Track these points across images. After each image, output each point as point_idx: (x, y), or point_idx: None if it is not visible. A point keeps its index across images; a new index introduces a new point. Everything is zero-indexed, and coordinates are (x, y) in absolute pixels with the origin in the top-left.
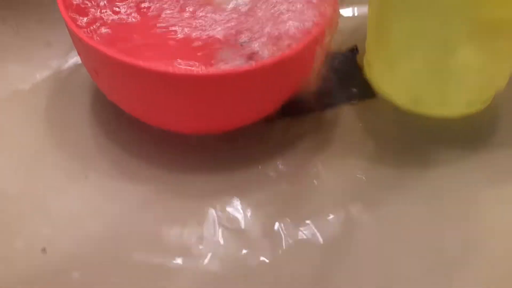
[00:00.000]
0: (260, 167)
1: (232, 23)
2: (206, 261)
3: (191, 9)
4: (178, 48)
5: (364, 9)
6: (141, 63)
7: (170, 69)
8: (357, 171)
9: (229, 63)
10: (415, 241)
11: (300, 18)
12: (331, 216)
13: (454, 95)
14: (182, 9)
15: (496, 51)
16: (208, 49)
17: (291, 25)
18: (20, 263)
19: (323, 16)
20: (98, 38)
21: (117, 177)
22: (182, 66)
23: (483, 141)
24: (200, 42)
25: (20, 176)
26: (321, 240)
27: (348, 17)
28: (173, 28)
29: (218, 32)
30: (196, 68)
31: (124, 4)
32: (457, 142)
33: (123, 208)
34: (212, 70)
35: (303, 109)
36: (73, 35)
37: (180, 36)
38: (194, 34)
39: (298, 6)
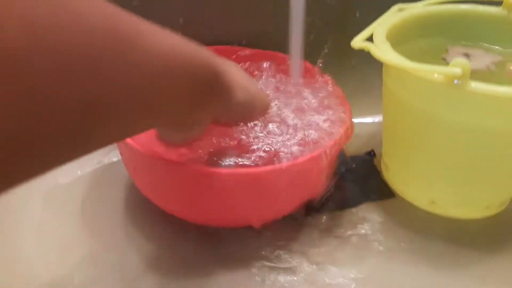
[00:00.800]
0: (280, 261)
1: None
2: None
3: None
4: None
5: (380, 117)
6: (175, 160)
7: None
8: (374, 269)
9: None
10: None
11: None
12: None
13: (471, 198)
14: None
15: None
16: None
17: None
18: None
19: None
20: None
21: (142, 266)
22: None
23: (501, 243)
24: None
25: (54, 263)
26: None
27: (365, 124)
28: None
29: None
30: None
31: None
32: (475, 244)
33: None
34: (245, 169)
35: (323, 207)
36: None
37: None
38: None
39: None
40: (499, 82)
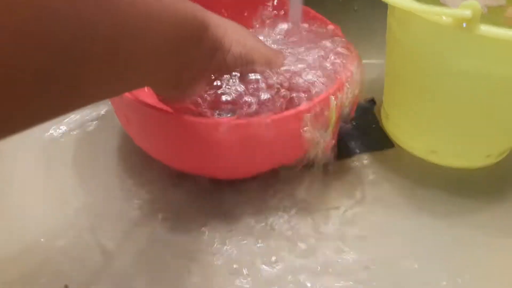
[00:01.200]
0: (278, 212)
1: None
2: None
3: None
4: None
5: (382, 63)
6: (164, 108)
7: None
8: (373, 218)
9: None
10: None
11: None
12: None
13: (472, 147)
14: None
15: None
16: None
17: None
18: None
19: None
20: None
21: (136, 216)
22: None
23: (500, 192)
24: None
25: (49, 216)
26: None
27: (365, 71)
28: None
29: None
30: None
31: None
32: (474, 193)
33: (141, 249)
34: (236, 120)
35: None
36: None
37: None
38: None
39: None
40: None
